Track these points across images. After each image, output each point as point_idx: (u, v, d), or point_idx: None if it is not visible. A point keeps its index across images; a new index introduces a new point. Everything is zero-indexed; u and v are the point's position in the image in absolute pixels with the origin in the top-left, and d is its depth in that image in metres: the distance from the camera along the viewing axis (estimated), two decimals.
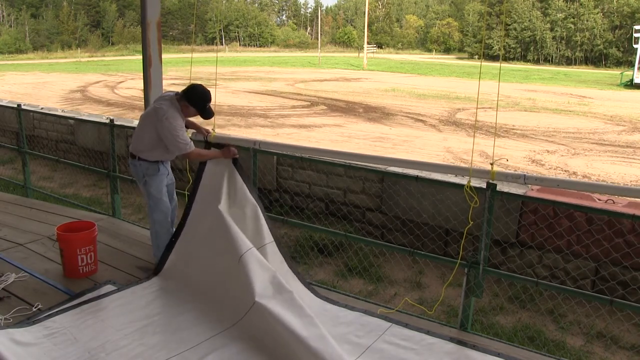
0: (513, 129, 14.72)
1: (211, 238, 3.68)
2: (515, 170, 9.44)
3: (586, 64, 58.09)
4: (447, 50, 76.25)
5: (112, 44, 72.66)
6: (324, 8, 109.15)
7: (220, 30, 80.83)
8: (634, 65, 32.57)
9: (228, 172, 3.77)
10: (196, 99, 3.75)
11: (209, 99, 3.79)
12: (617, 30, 56.41)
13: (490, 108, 18.77)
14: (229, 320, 3.26)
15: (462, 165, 7.42)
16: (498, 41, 60.66)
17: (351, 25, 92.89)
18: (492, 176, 3.00)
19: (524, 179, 2.99)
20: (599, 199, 4.95)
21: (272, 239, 3.70)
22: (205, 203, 3.80)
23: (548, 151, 12.11)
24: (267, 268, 3.36)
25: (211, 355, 2.96)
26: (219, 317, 3.32)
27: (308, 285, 3.74)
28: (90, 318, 3.31)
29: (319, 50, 54.62)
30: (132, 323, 3.26)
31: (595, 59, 58.32)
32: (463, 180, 3.81)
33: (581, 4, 58.10)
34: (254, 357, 2.95)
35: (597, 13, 57.56)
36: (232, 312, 3.31)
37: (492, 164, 2.97)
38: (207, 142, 3.91)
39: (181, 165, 7.58)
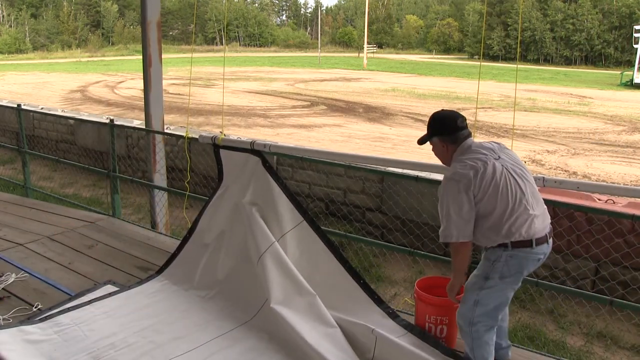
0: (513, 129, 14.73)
1: (227, 238, 3.64)
2: None
3: (586, 64, 58.12)
4: (447, 50, 76.18)
5: (112, 44, 72.65)
6: (324, 8, 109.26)
7: (221, 30, 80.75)
8: (633, 65, 32.54)
9: (256, 174, 3.61)
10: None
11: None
12: (615, 31, 56.43)
13: (490, 108, 18.77)
14: (238, 320, 3.26)
15: None
16: (498, 41, 60.67)
17: (351, 25, 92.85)
18: None
19: (543, 182, 2.92)
20: (599, 199, 4.95)
21: (302, 219, 3.48)
22: (225, 201, 3.73)
23: (548, 151, 12.11)
24: (286, 268, 3.26)
25: (217, 354, 2.96)
26: (228, 317, 3.30)
27: (345, 264, 3.36)
28: (98, 315, 3.32)
29: (319, 50, 54.62)
30: (139, 321, 3.26)
31: (595, 59, 58.36)
32: None
33: (579, 5, 58.14)
34: (261, 356, 2.95)
35: (596, 14, 57.59)
36: (243, 313, 3.30)
37: None
38: (215, 144, 3.87)
39: (181, 165, 7.59)
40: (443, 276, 3.38)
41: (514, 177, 2.43)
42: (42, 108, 11.73)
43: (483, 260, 2.57)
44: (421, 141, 2.67)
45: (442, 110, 2.67)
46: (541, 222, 2.46)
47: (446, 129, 2.56)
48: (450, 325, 2.94)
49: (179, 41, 76.06)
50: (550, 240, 2.52)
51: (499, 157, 2.48)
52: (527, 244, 2.41)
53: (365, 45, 51.84)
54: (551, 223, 2.57)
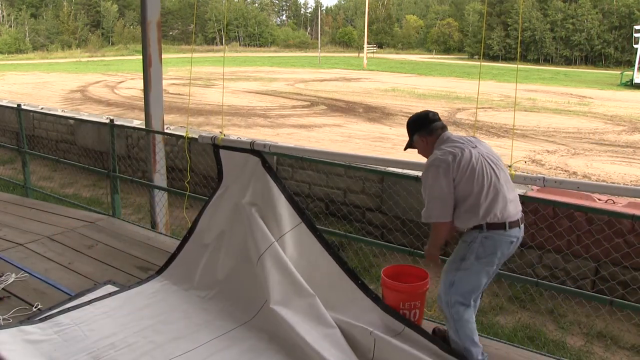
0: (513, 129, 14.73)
1: (227, 238, 3.64)
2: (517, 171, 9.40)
3: (586, 64, 58.12)
4: (447, 50, 76.13)
5: (112, 44, 72.63)
6: (324, 8, 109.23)
7: (221, 30, 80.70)
8: (633, 65, 32.53)
9: (256, 174, 3.61)
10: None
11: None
12: (615, 31, 56.43)
13: (490, 108, 18.77)
14: (238, 321, 3.26)
15: None
16: (498, 41, 60.67)
17: (351, 25, 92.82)
18: (512, 178, 2.94)
19: (543, 182, 2.96)
20: (599, 199, 4.95)
21: (301, 220, 3.47)
22: (225, 201, 3.73)
23: (548, 151, 12.11)
24: (286, 269, 3.25)
25: (217, 354, 2.96)
26: (228, 317, 3.30)
27: (343, 265, 3.35)
28: (98, 315, 3.33)
29: (319, 50, 54.62)
30: (139, 321, 3.26)
31: (595, 59, 58.36)
32: None
33: (579, 5, 58.14)
34: (261, 357, 2.95)
35: (596, 14, 57.60)
36: (243, 313, 3.30)
37: (509, 166, 2.96)
38: (215, 145, 3.86)
39: (181, 165, 7.60)
40: (408, 264, 3.48)
41: (489, 164, 2.64)
42: (42, 108, 11.73)
43: (460, 243, 2.76)
44: (406, 147, 2.92)
45: (415, 112, 2.92)
46: (514, 208, 2.66)
47: (421, 124, 2.81)
48: (420, 308, 3.13)
49: (179, 41, 76.05)
50: (522, 226, 2.71)
51: (476, 146, 2.69)
52: (501, 226, 2.61)
53: (365, 45, 51.83)
54: (551, 223, 2.61)
